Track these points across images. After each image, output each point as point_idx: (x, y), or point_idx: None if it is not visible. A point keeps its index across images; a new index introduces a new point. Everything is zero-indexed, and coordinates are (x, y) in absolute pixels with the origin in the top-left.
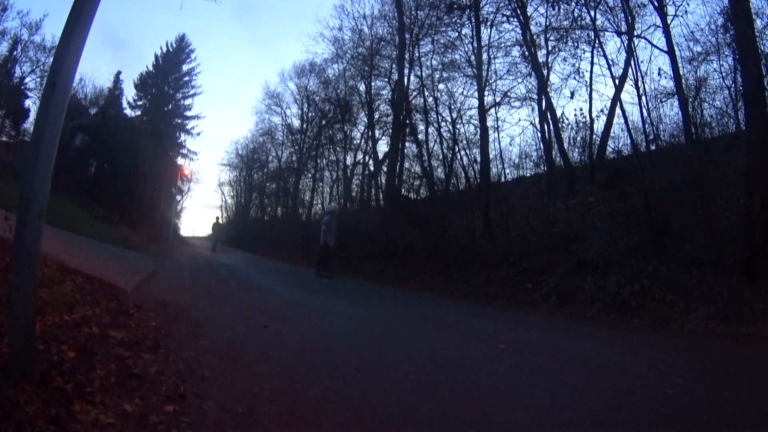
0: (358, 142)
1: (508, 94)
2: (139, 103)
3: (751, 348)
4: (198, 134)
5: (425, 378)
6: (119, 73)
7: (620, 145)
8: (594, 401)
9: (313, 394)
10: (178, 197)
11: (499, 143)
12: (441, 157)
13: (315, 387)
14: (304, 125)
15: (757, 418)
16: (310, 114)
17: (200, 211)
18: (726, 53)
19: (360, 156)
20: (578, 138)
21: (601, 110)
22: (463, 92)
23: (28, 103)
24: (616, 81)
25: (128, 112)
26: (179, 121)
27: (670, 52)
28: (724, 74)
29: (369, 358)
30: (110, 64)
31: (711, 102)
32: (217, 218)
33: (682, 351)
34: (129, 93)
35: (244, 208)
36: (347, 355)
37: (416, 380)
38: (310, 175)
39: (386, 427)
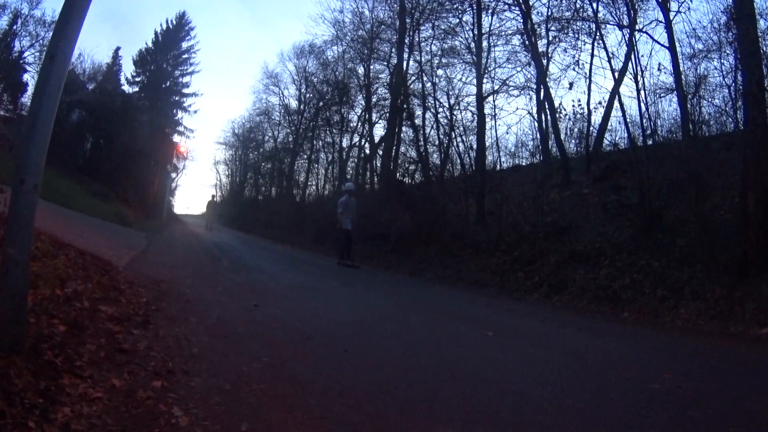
0: (355, 124)
1: (507, 82)
2: (138, 79)
3: (740, 346)
4: (195, 112)
5: (412, 361)
6: (118, 49)
7: (617, 138)
8: (579, 391)
9: (301, 374)
10: (173, 175)
11: (496, 131)
12: (437, 142)
13: (303, 366)
14: (302, 106)
15: (743, 416)
16: (307, 95)
17: (195, 189)
18: (728, 52)
19: (356, 139)
20: (575, 129)
21: (599, 102)
22: (461, 79)
23: (26, 77)
24: (616, 74)
25: (126, 88)
26: (177, 98)
27: (671, 48)
28: (724, 73)
29: (357, 340)
30: (110, 39)
31: (710, 100)
32: (213, 196)
33: (671, 346)
34: (128, 69)
35: (238, 187)
36: (336, 337)
37: (403, 363)
38: (305, 156)
39: (372, 407)
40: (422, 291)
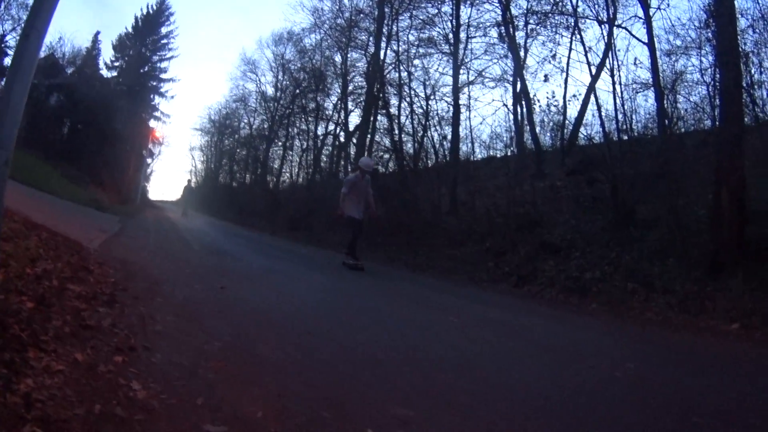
0: (330, 112)
1: (483, 73)
2: (116, 64)
3: (709, 340)
4: (172, 97)
5: (374, 344)
6: (98, 33)
7: (593, 133)
8: (540, 377)
9: (262, 353)
10: (149, 160)
11: (470, 122)
12: (412, 132)
13: (264, 347)
14: (278, 93)
15: (705, 407)
16: (284, 82)
17: (170, 175)
18: (707, 50)
19: (331, 127)
20: (550, 122)
21: (574, 95)
22: (438, 69)
23: (7, 60)
24: (593, 68)
25: (105, 72)
26: (154, 83)
27: (650, 44)
28: (702, 70)
29: (322, 323)
30: (91, 24)
31: (687, 97)
32: (189, 181)
33: (638, 338)
34: (107, 54)
35: (213, 173)
36: (301, 319)
37: (365, 346)
38: (280, 143)
39: (329, 388)
40: (391, 278)
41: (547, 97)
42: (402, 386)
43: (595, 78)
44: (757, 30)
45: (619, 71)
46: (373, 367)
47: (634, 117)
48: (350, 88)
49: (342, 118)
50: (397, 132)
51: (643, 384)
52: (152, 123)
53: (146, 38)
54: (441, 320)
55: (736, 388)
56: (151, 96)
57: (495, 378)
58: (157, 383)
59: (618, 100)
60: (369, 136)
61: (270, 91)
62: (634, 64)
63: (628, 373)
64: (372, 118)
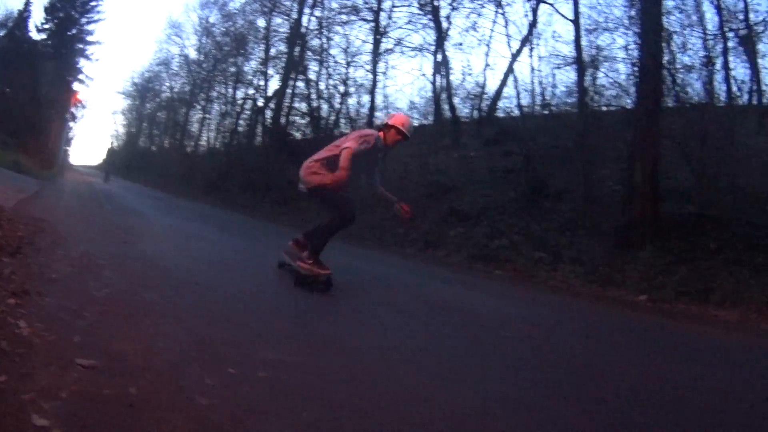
0: (250, 78)
1: (402, 42)
2: (46, 26)
3: (612, 309)
4: (96, 60)
5: (260, 295)
6: None
7: (512, 106)
8: (424, 332)
9: (149, 300)
10: (71, 124)
11: (385, 88)
12: (328, 97)
13: (152, 294)
14: (201, 57)
15: (585, 365)
16: (207, 47)
17: (90, 139)
18: (634, 30)
19: (251, 92)
20: (468, 93)
21: (488, 65)
22: (358, 36)
23: None
24: (516, 43)
25: (34, 35)
26: (81, 46)
27: (575, 20)
28: (627, 48)
29: (212, 276)
30: None
31: (608, 74)
32: (113, 144)
33: (537, 303)
34: (39, 17)
35: (134, 137)
36: (193, 272)
37: (250, 297)
38: (199, 107)
39: (205, 332)
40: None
41: (462, 66)
42: (277, 333)
43: (517, 53)
44: (684, 12)
45: (537, 46)
46: (253, 316)
47: (554, 92)
48: (272, 52)
49: (261, 83)
50: (315, 97)
51: (528, 342)
52: (76, 86)
53: (76, 0)
54: (336, 278)
55: (639, 355)
56: (77, 59)
57: (376, 330)
58: (42, 323)
59: (538, 75)
60: (287, 101)
61: (193, 54)
62: (553, 37)
63: (517, 333)
64: (291, 83)
